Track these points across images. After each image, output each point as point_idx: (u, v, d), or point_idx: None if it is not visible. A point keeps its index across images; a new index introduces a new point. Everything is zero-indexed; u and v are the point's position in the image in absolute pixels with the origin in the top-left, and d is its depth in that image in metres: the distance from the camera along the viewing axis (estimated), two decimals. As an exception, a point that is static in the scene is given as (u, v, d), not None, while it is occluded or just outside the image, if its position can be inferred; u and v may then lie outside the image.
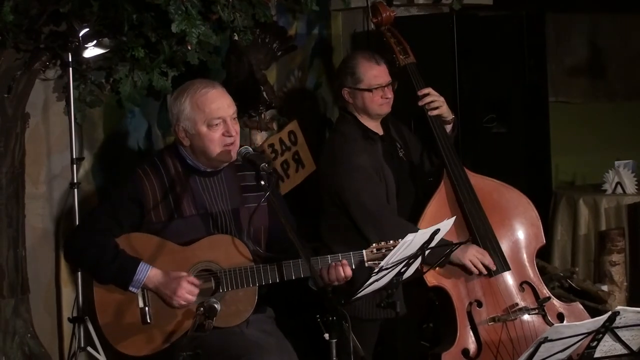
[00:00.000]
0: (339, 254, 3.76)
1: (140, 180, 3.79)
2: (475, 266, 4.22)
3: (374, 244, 3.77)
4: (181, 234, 3.77)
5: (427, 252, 3.65)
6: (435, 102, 4.48)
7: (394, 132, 4.60)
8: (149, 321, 3.68)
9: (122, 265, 3.67)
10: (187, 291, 3.66)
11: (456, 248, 3.99)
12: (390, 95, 4.43)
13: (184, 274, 3.68)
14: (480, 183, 4.43)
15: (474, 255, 4.23)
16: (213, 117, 3.78)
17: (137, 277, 3.66)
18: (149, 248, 3.73)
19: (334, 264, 3.73)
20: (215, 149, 3.79)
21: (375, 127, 4.48)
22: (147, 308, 3.68)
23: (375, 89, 4.39)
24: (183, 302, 3.67)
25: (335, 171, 4.34)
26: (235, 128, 3.82)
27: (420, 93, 4.49)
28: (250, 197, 3.88)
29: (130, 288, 3.68)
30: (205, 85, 3.84)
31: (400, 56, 4.57)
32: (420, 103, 4.48)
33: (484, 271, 4.25)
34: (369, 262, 3.73)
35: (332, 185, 4.35)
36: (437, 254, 3.81)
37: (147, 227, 3.77)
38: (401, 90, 4.52)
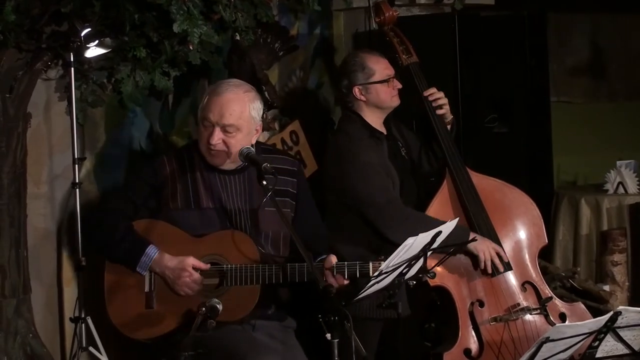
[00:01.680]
0: (345, 262, 3.76)
1: (163, 167, 3.88)
2: (485, 260, 4.22)
3: (382, 256, 3.76)
4: (196, 225, 3.83)
5: (429, 252, 3.66)
6: (441, 100, 4.49)
7: (395, 132, 4.60)
8: (153, 306, 3.72)
9: (131, 245, 3.75)
10: (192, 280, 3.70)
11: (460, 246, 4.00)
12: (400, 86, 4.46)
13: (190, 258, 3.70)
14: (483, 182, 4.43)
15: (488, 248, 4.23)
16: (204, 117, 3.83)
17: (144, 259, 3.73)
18: (162, 235, 3.80)
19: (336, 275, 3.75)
20: (202, 147, 3.85)
21: (380, 126, 4.49)
22: (152, 293, 3.72)
23: (388, 80, 4.40)
24: (187, 291, 3.70)
25: (342, 171, 4.33)
26: (222, 138, 3.80)
27: (426, 93, 4.49)
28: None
29: (138, 269, 3.75)
30: (224, 87, 3.88)
31: (403, 56, 4.58)
32: (430, 98, 4.48)
33: (489, 269, 4.24)
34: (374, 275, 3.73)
35: (341, 185, 4.34)
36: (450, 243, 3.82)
37: (164, 214, 3.84)
38: (403, 91, 4.52)
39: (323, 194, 4.47)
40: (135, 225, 3.83)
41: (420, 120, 4.66)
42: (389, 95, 4.44)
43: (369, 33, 5.65)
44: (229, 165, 3.89)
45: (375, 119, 4.47)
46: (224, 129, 3.81)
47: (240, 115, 3.83)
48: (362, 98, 4.44)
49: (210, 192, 3.86)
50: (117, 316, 3.79)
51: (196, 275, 3.73)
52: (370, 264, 3.76)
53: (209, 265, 3.76)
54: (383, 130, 4.50)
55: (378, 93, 4.43)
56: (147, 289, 3.77)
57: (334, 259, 3.77)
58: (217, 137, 3.81)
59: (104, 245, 3.84)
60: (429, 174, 4.64)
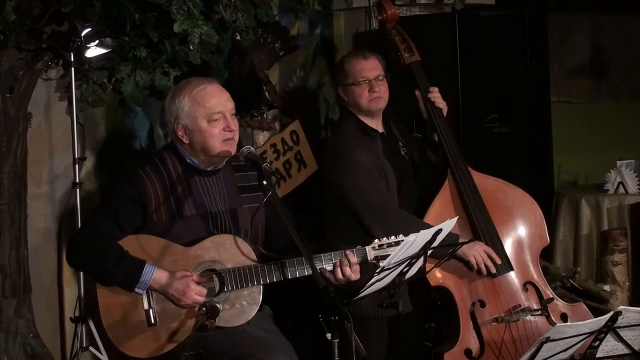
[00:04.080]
0: (342, 251, 3.75)
1: (142, 182, 3.76)
2: (478, 264, 4.22)
3: (376, 240, 3.76)
4: (182, 235, 3.76)
5: (429, 251, 3.66)
6: (439, 100, 4.49)
7: (396, 131, 4.60)
8: (153, 322, 3.68)
9: (128, 267, 3.65)
10: (196, 292, 3.65)
11: (459, 247, 3.99)
12: (378, 89, 4.40)
13: (189, 273, 3.67)
14: (484, 182, 4.43)
15: (479, 253, 4.22)
16: (213, 111, 3.77)
17: (143, 279, 3.65)
18: (152, 249, 3.71)
19: (338, 261, 3.72)
20: (216, 144, 3.78)
21: (374, 124, 4.47)
22: (151, 310, 3.68)
23: (360, 82, 4.38)
24: (192, 304, 3.66)
25: (336, 170, 4.33)
26: (234, 123, 3.82)
27: (431, 96, 4.48)
28: (248, 198, 3.88)
29: (136, 290, 3.67)
30: (203, 82, 3.84)
31: (405, 54, 4.56)
32: (429, 95, 4.47)
33: (484, 271, 4.24)
34: (372, 260, 3.73)
35: (335, 184, 4.34)
36: (441, 251, 3.81)
37: (149, 228, 3.76)
38: (405, 90, 4.52)
39: (322, 194, 4.47)
40: (123, 243, 3.70)
41: (421, 121, 4.65)
42: (364, 99, 4.40)
43: (369, 33, 5.65)
44: (210, 165, 3.86)
45: (366, 119, 4.46)
46: (232, 113, 3.82)
47: None
48: (345, 98, 4.45)
49: (192, 198, 3.81)
50: (117, 336, 3.69)
51: (199, 279, 3.70)
52: (367, 248, 3.73)
53: (205, 279, 3.72)
54: (379, 128, 4.48)
55: (354, 95, 4.41)
56: (146, 306, 3.69)
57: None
58: (234, 121, 3.82)
59: (97, 272, 3.71)
60: (428, 175, 4.63)
